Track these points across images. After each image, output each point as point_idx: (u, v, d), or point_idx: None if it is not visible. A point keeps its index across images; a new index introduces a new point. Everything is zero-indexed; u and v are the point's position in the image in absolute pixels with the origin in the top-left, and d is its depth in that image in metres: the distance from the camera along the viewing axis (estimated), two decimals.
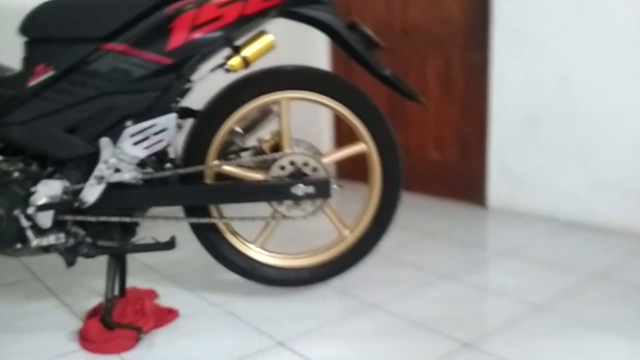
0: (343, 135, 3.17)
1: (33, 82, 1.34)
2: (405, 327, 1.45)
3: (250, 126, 1.61)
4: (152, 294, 1.63)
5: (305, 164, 1.49)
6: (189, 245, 2.02)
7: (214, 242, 1.58)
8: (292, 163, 1.49)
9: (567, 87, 2.20)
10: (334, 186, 1.50)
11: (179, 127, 1.48)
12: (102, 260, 1.56)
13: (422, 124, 2.78)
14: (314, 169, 1.49)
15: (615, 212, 2.14)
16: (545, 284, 1.68)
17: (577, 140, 2.20)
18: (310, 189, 1.46)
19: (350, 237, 1.61)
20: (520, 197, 2.43)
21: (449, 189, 2.71)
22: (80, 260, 1.46)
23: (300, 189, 1.46)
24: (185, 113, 1.53)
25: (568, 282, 1.70)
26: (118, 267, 1.49)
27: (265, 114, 1.61)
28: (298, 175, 1.49)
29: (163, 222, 1.99)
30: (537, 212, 2.38)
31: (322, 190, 1.47)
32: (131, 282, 1.63)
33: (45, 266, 1.96)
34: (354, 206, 1.65)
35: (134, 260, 1.95)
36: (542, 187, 2.35)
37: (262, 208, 1.56)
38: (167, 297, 1.64)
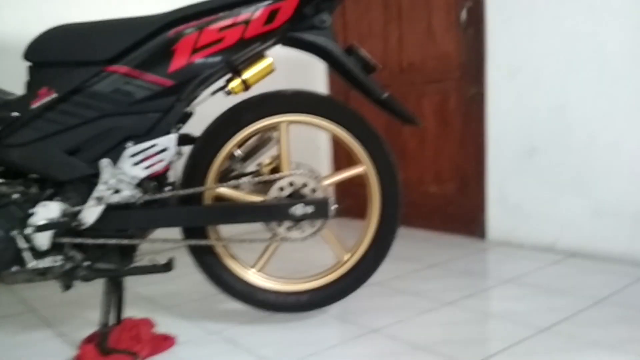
0: (341, 160, 3.19)
1: (36, 105, 1.36)
2: (407, 351, 1.42)
3: (250, 153, 1.63)
4: (149, 323, 1.60)
5: (305, 185, 1.49)
6: (187, 278, 2.01)
7: (212, 266, 1.56)
8: (291, 184, 1.49)
9: (562, 117, 2.23)
10: (333, 207, 1.49)
11: (179, 153, 1.50)
12: (97, 292, 1.55)
13: (420, 157, 2.81)
14: (313, 190, 1.49)
15: (615, 239, 2.13)
16: (548, 308, 1.66)
17: (575, 169, 2.22)
18: (309, 209, 1.46)
19: (349, 260, 1.60)
20: (519, 227, 2.42)
21: (449, 222, 2.71)
22: (76, 292, 1.45)
23: (299, 209, 1.45)
24: (185, 140, 1.55)
25: (571, 306, 1.67)
26: (115, 293, 1.47)
27: (264, 141, 1.63)
28: (297, 197, 1.49)
29: (161, 251, 1.98)
30: (537, 242, 2.36)
31: (321, 210, 1.47)
32: (128, 312, 1.60)
33: (41, 299, 1.93)
34: (353, 241, 1.64)
35: (131, 291, 1.92)
36: (541, 217, 2.34)
37: (261, 231, 1.55)
38: (164, 326, 1.61)
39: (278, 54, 1.58)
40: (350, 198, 3.04)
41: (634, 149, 2.06)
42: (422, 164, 2.80)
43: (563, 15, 2.18)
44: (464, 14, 2.50)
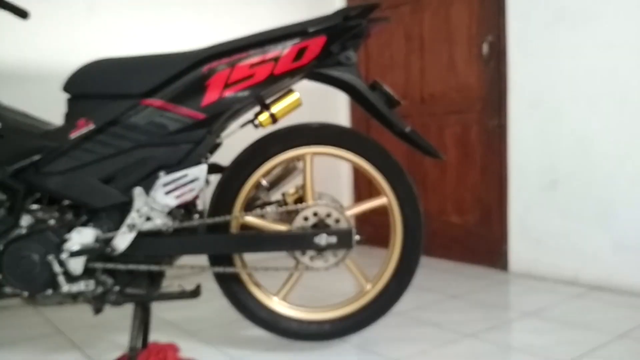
0: (362, 189, 3.23)
1: (74, 135, 1.43)
2: None
3: (275, 182, 1.68)
4: (174, 347, 1.63)
5: (328, 215, 1.53)
6: (211, 304, 2.05)
7: (237, 293, 1.60)
8: (315, 214, 1.53)
9: (584, 149, 2.25)
10: (356, 237, 1.53)
11: (207, 182, 1.55)
12: (124, 315, 1.59)
13: (442, 188, 2.83)
14: (337, 221, 1.53)
15: (637, 273, 2.11)
16: (570, 343, 1.65)
17: (597, 201, 2.22)
18: (333, 239, 1.49)
19: (372, 290, 1.62)
20: (541, 260, 2.42)
21: (470, 253, 2.71)
22: (103, 316, 1.49)
23: (323, 238, 1.49)
24: (213, 168, 1.60)
25: (593, 341, 1.67)
26: (142, 317, 1.51)
27: (289, 170, 1.68)
28: (321, 226, 1.52)
29: (183, 276, 2.03)
30: (559, 275, 2.36)
31: (344, 240, 1.50)
32: (153, 337, 1.64)
33: (69, 321, 1.98)
34: (375, 269, 1.67)
35: (156, 316, 1.96)
36: (563, 249, 2.34)
37: (284, 258, 1.59)
38: (188, 351, 1.64)
39: (302, 85, 1.63)
40: (371, 226, 3.07)
41: None
42: (444, 194, 2.83)
43: (584, 50, 2.22)
44: (485, 47, 2.54)
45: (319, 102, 3.00)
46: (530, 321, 1.87)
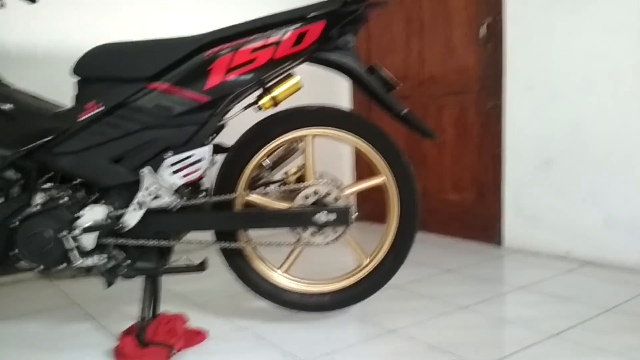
0: (362, 169, 3.30)
1: (83, 117, 1.50)
2: (423, 351, 1.51)
3: (277, 162, 1.75)
4: (183, 318, 1.72)
5: (328, 194, 1.60)
6: (217, 277, 2.13)
7: (241, 267, 1.68)
8: (315, 193, 1.60)
9: (577, 130, 2.31)
10: (354, 215, 1.60)
11: (212, 162, 1.62)
12: (134, 287, 1.67)
13: (440, 167, 2.90)
14: (336, 199, 1.60)
15: (628, 250, 2.19)
16: (560, 315, 1.73)
17: (589, 180, 2.29)
18: (332, 217, 1.57)
19: (370, 264, 1.70)
20: (535, 236, 2.49)
21: (466, 229, 2.79)
22: (115, 288, 1.57)
23: (322, 216, 1.57)
24: (218, 149, 1.67)
25: (582, 313, 1.75)
26: (152, 289, 1.60)
27: (290, 151, 1.75)
28: (321, 205, 1.60)
29: (193, 251, 2.11)
30: (552, 251, 2.44)
31: (342, 217, 1.57)
32: (163, 308, 1.72)
33: (83, 294, 2.07)
34: (374, 244, 1.74)
35: (165, 289, 2.05)
36: (556, 226, 2.42)
37: (286, 234, 1.67)
38: (196, 321, 1.73)
39: (305, 70, 1.69)
40: (370, 203, 3.15)
41: None
42: (441, 172, 2.90)
43: (580, 33, 2.26)
44: (483, 29, 2.58)
45: (322, 85, 3.03)
46: (523, 295, 1.96)
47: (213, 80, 1.48)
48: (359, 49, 1.60)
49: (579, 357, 1.44)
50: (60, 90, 1.76)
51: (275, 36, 1.48)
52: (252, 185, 1.69)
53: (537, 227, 2.48)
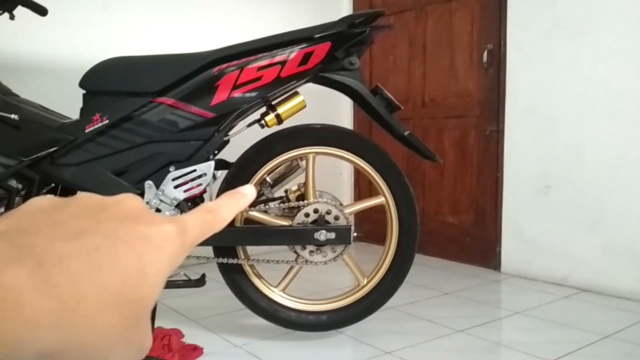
0: (362, 188, 3.31)
1: (89, 129, 1.51)
2: None
3: (279, 179, 1.76)
4: (179, 333, 1.72)
5: (328, 213, 1.61)
6: (213, 293, 2.12)
7: (239, 283, 1.68)
8: (316, 211, 1.61)
9: (576, 157, 2.33)
10: (354, 234, 1.61)
11: (215, 177, 1.63)
12: None
13: (440, 189, 2.91)
14: (336, 218, 1.61)
15: (625, 277, 2.19)
16: (556, 341, 1.73)
17: (588, 207, 2.30)
18: (332, 235, 1.57)
19: (368, 285, 1.70)
20: (533, 262, 2.50)
21: (464, 253, 2.80)
22: None
23: (322, 234, 1.57)
24: (221, 165, 1.68)
25: (578, 340, 1.74)
26: None
27: (292, 168, 1.76)
28: (321, 223, 1.60)
29: (189, 266, 2.10)
30: (550, 277, 2.44)
31: (342, 236, 1.58)
32: (158, 323, 1.72)
33: None
34: (372, 265, 1.75)
35: (161, 304, 2.05)
36: (554, 252, 2.42)
37: (284, 252, 1.67)
38: (191, 338, 1.72)
39: (307, 88, 1.71)
40: (370, 223, 3.15)
41: None
42: (441, 195, 2.91)
43: (580, 60, 2.29)
44: (485, 55, 2.62)
45: (325, 104, 3.05)
46: (520, 320, 1.95)
47: (219, 97, 1.50)
48: (362, 71, 1.63)
49: None
50: (67, 103, 1.77)
51: (281, 55, 1.50)
52: (253, 202, 1.70)
53: (536, 252, 2.49)
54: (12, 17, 1.65)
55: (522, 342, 1.73)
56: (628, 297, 2.18)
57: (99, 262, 0.21)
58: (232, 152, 1.69)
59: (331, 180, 3.18)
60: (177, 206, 1.54)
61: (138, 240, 0.23)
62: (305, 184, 1.67)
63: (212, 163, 1.52)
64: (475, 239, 2.75)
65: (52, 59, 2.33)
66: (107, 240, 0.22)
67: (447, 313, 2.02)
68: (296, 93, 1.61)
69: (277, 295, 1.71)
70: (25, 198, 1.54)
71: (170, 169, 1.52)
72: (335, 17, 1.55)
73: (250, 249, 1.73)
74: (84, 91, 1.56)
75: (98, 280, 0.21)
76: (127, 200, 0.25)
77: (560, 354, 1.63)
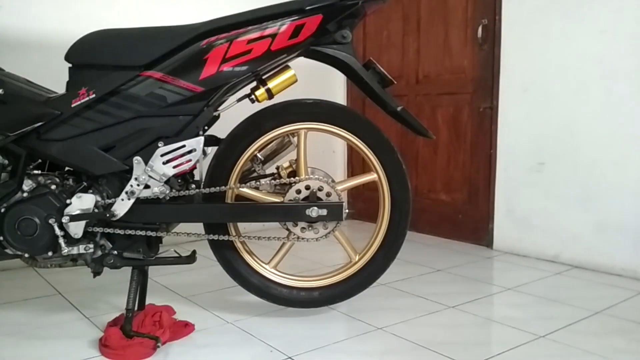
0: (356, 165, 3.30)
1: (76, 104, 1.47)
2: (410, 349, 1.51)
3: (270, 156, 1.74)
4: (170, 310, 1.71)
5: (320, 189, 1.59)
6: (205, 270, 2.12)
7: (231, 260, 1.67)
8: (307, 187, 1.59)
9: (570, 134, 2.31)
10: (346, 211, 1.59)
11: (205, 153, 1.60)
12: (121, 279, 1.66)
13: (433, 167, 2.90)
14: (328, 194, 1.59)
15: (617, 254, 2.20)
16: (548, 317, 1.74)
17: (581, 184, 2.29)
18: (324, 212, 1.56)
19: (359, 261, 1.70)
20: (525, 238, 2.50)
21: (457, 230, 2.80)
22: (102, 279, 1.55)
23: (314, 211, 1.55)
24: (211, 141, 1.65)
25: (570, 315, 1.75)
26: (140, 280, 1.58)
27: (284, 145, 1.73)
28: (313, 199, 1.59)
29: (181, 243, 2.09)
30: (542, 254, 2.44)
31: (334, 213, 1.57)
32: (149, 300, 1.71)
33: (69, 284, 2.05)
34: (364, 242, 1.74)
35: (153, 281, 2.04)
36: (546, 229, 2.42)
37: (276, 229, 1.66)
38: (183, 314, 1.71)
39: (300, 63, 1.68)
40: (362, 201, 3.14)
41: (638, 168, 2.13)
42: (434, 172, 2.90)
43: (575, 37, 2.27)
44: (480, 31, 2.58)
45: (317, 79, 3.02)
46: (511, 296, 1.96)
47: (208, 71, 1.47)
48: (355, 46, 1.59)
49: (566, 359, 1.44)
50: (53, 78, 1.73)
51: (271, 28, 1.47)
52: (244, 179, 1.68)
53: (528, 229, 2.49)
54: None
55: (513, 317, 1.73)
56: (619, 273, 2.19)
57: None
58: (223, 128, 1.66)
59: (325, 157, 3.16)
60: (166, 182, 1.51)
61: None
62: (297, 160, 1.65)
63: (201, 139, 1.50)
64: (468, 216, 2.75)
65: (38, 32, 2.28)
66: None
67: (439, 289, 2.02)
68: (287, 67, 1.58)
69: (268, 272, 1.70)
70: (12, 174, 1.51)
71: (159, 145, 1.49)
72: None
73: (242, 225, 1.71)
74: (70, 65, 1.52)
75: None
76: None
77: (551, 329, 1.64)
